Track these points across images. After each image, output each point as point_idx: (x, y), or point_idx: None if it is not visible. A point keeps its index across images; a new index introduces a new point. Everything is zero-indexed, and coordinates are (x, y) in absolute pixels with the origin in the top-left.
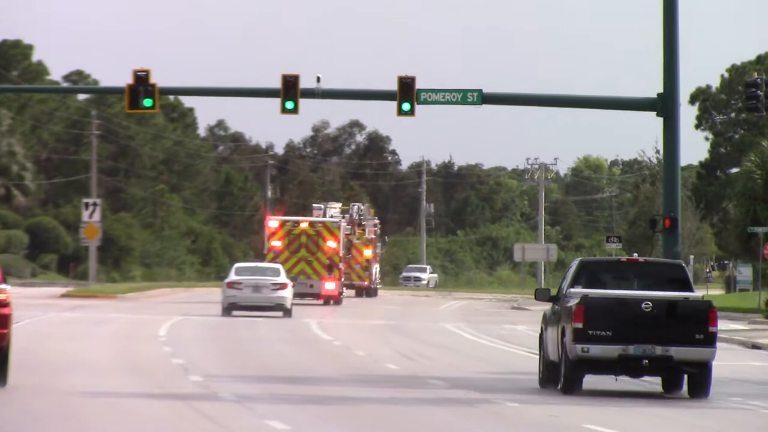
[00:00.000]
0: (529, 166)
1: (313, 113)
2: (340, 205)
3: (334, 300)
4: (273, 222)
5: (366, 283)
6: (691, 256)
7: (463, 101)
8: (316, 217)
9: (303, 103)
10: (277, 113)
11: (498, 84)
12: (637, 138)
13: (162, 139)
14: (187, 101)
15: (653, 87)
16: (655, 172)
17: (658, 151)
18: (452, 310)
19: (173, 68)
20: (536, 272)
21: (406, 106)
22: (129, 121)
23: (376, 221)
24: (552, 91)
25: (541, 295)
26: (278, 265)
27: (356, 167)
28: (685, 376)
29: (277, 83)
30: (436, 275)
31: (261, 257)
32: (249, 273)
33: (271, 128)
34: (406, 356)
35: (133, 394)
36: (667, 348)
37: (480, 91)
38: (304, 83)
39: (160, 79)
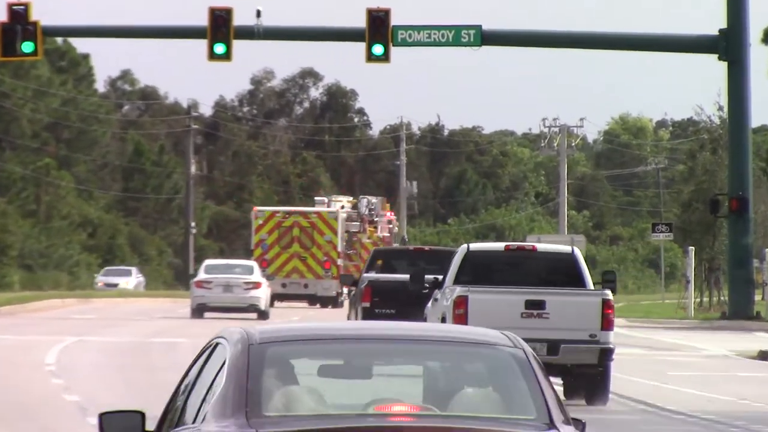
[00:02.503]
0: (545, 130)
1: (251, 60)
2: (348, 198)
3: (332, 303)
4: (261, 213)
5: None
6: (766, 250)
7: (456, 42)
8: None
9: (238, 46)
10: (204, 61)
11: (502, 19)
12: (692, 90)
13: (47, 96)
14: (81, 45)
15: (714, 23)
16: (717, 136)
17: (721, 108)
18: None
19: (61, 1)
20: None
21: (377, 49)
22: (2, 73)
23: (392, 217)
24: (575, 28)
25: (345, 280)
26: (252, 262)
27: (311, 132)
28: None
29: (203, 20)
30: (143, 279)
31: (183, 254)
32: (219, 271)
33: (194, 81)
34: None
35: None
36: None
37: (479, 28)
38: (240, 19)
39: (43, 15)
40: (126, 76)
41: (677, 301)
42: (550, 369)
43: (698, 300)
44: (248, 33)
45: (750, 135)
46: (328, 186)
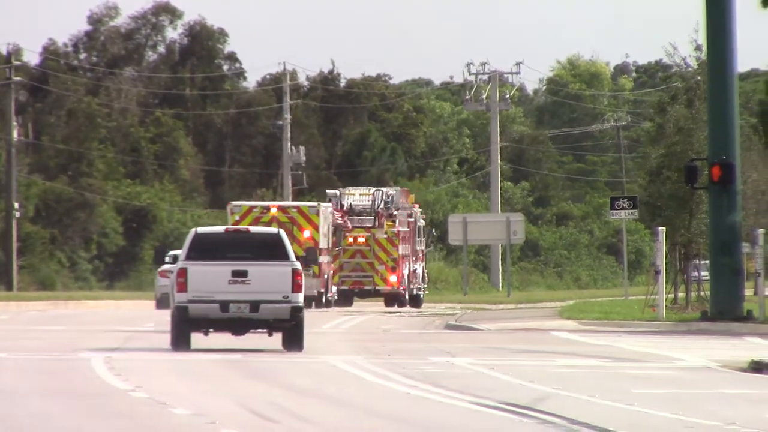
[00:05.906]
0: (471, 78)
1: None
2: (363, 190)
3: (315, 302)
4: (237, 208)
5: (391, 287)
6: (760, 230)
7: None
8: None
9: None
10: None
11: None
12: (662, 25)
13: None
14: None
15: None
16: (693, 84)
17: (698, 47)
18: (343, 332)
19: None
20: (489, 263)
21: None
22: None
23: (415, 210)
24: None
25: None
26: None
27: (167, 85)
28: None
29: None
30: None
31: (4, 243)
32: None
33: (16, 20)
34: (261, 415)
35: None
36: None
37: None
38: None
39: None
40: None
41: (644, 298)
42: (254, 323)
43: (671, 296)
44: None
45: (736, 82)
46: (191, 154)
